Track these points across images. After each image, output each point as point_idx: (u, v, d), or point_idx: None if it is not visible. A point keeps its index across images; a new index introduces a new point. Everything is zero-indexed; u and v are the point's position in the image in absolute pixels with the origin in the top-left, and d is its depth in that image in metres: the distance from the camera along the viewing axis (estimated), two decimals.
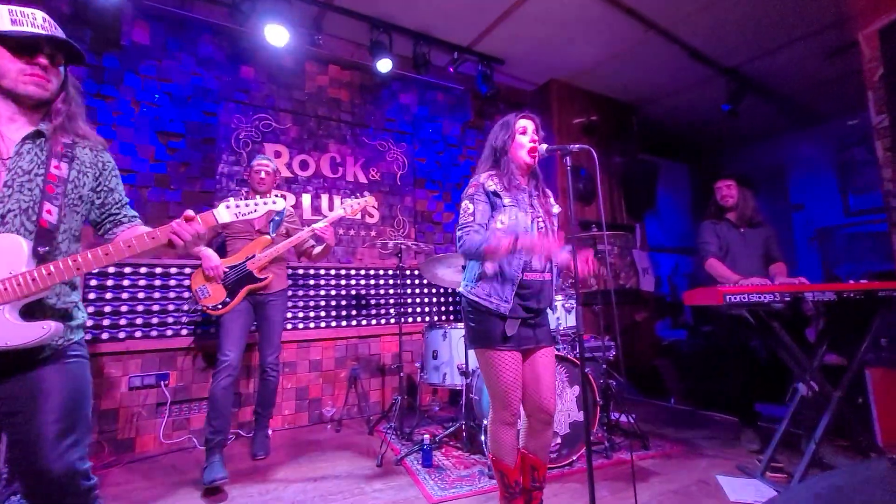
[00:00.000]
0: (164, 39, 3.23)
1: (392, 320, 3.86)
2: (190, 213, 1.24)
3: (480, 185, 1.74)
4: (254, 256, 2.59)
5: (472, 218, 1.69)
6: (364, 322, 3.78)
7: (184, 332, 3.06)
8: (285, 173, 3.61)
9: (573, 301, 3.03)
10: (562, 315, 2.92)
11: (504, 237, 1.59)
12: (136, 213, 1.37)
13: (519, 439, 1.82)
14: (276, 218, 2.55)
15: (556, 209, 1.87)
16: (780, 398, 2.69)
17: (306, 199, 3.67)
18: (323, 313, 3.62)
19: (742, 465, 2.42)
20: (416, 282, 4.06)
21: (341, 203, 2.71)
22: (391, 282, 3.92)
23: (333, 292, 3.68)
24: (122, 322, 2.88)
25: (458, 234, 1.70)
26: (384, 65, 3.55)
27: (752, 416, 2.80)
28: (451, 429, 2.85)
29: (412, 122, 4.28)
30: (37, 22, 1.13)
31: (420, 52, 3.73)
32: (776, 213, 5.95)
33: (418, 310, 4.05)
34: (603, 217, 1.75)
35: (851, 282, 2.14)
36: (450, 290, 4.17)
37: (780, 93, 4.86)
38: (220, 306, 2.50)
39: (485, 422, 2.39)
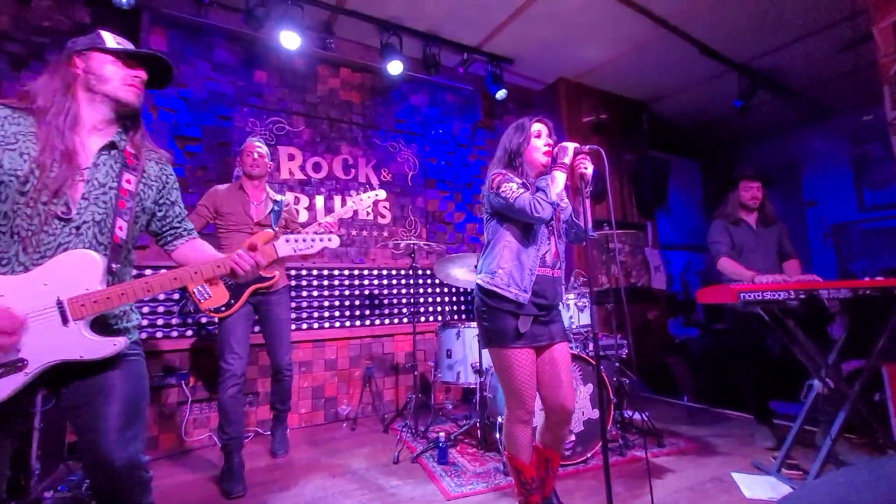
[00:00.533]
0: (180, 46, 3.30)
1: (405, 320, 3.91)
2: (253, 242, 1.27)
3: (506, 174, 1.77)
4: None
5: (516, 189, 1.71)
6: (377, 322, 3.83)
7: (203, 332, 3.13)
8: (298, 175, 3.66)
9: (586, 299, 3.04)
10: (574, 313, 2.93)
11: (561, 165, 1.72)
12: (193, 226, 1.42)
13: (535, 435, 1.85)
14: (276, 208, 2.57)
15: (564, 203, 1.90)
16: (794, 396, 2.68)
17: (319, 200, 3.73)
18: (337, 313, 3.67)
19: (757, 462, 2.42)
20: (429, 281, 4.09)
21: (351, 198, 2.61)
22: (403, 281, 3.96)
23: (347, 292, 3.73)
24: (145, 323, 2.95)
25: (517, 195, 1.69)
26: (395, 67, 3.59)
27: (767, 414, 2.80)
28: (466, 427, 2.88)
29: (422, 123, 4.31)
30: (132, 47, 1.24)
31: (430, 53, 3.76)
32: (789, 209, 5.90)
33: (430, 309, 4.09)
34: (612, 216, 1.77)
35: (867, 279, 2.14)
36: (462, 290, 4.20)
37: (793, 88, 4.82)
38: (223, 308, 2.36)
39: (499, 419, 2.42)
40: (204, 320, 3.14)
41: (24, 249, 1.06)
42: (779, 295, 2.02)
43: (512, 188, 1.72)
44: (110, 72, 1.17)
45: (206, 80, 3.38)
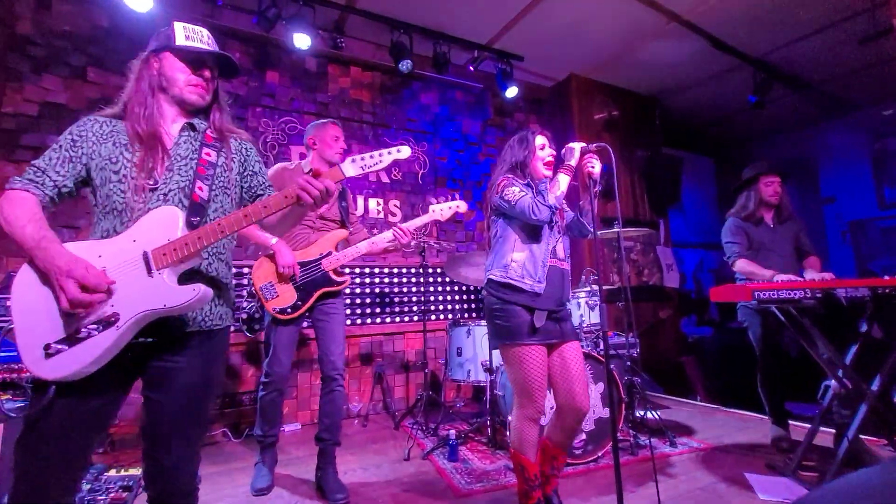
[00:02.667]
0: None
1: (415, 318, 3.93)
2: (318, 169, 1.27)
3: (511, 178, 1.84)
4: (329, 254, 2.25)
5: (524, 192, 1.76)
6: (388, 319, 3.85)
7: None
8: None
9: (597, 298, 3.03)
10: (585, 312, 2.92)
11: (568, 168, 1.79)
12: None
13: (544, 430, 1.86)
14: (344, 203, 2.43)
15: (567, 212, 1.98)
16: (811, 397, 2.63)
17: None
18: (348, 311, 3.71)
19: (772, 462, 2.39)
20: (439, 279, 4.11)
21: (433, 205, 2.40)
22: (413, 280, 3.98)
23: (358, 290, 3.76)
24: None
25: (521, 199, 1.74)
26: (405, 65, 3.60)
27: (783, 415, 2.75)
28: (476, 425, 2.89)
29: (433, 122, 4.32)
30: (204, 39, 1.28)
31: (440, 51, 3.76)
32: (806, 206, 5.78)
33: (440, 307, 4.10)
34: (619, 214, 1.76)
35: (887, 277, 2.09)
36: (473, 288, 4.21)
37: (810, 82, 4.72)
38: (289, 310, 2.18)
39: (509, 417, 2.42)
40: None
41: (121, 221, 1.15)
42: (795, 294, 1.99)
43: (514, 192, 1.77)
44: (177, 74, 1.24)
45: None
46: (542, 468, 1.83)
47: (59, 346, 1.01)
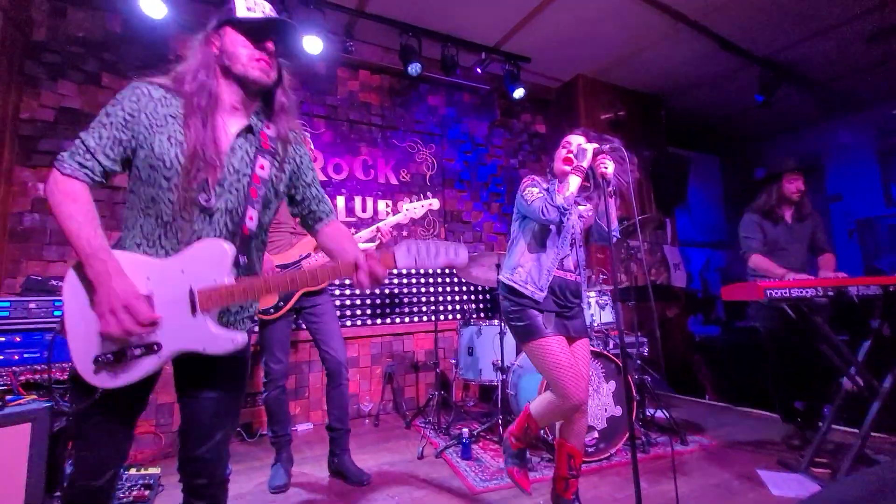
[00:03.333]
0: None
1: (425, 318, 3.95)
2: (371, 251, 1.19)
3: (535, 179, 1.91)
4: (308, 256, 2.35)
5: (540, 193, 1.80)
6: (398, 320, 3.88)
7: None
8: (321, 177, 3.73)
9: (607, 297, 3.05)
10: (596, 311, 2.94)
11: (578, 168, 1.79)
12: (332, 208, 1.37)
13: (556, 428, 1.90)
14: None
15: (583, 208, 1.99)
16: (823, 395, 2.64)
17: (340, 200, 3.79)
18: (359, 311, 3.74)
19: (784, 460, 2.41)
20: (448, 280, 4.14)
21: (406, 205, 2.60)
22: (423, 280, 4.01)
23: (368, 291, 3.79)
24: None
25: (535, 201, 1.78)
26: (413, 68, 3.63)
27: (793, 413, 2.76)
28: (488, 423, 2.92)
29: (440, 123, 4.35)
30: (266, 10, 1.18)
31: (448, 54, 3.78)
32: (813, 204, 5.76)
33: (450, 307, 4.13)
34: (636, 215, 1.78)
35: None
36: (482, 288, 4.23)
37: (817, 80, 4.72)
38: (271, 311, 2.28)
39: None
40: None
41: (165, 234, 1.09)
42: (806, 292, 2.01)
43: (533, 192, 1.82)
44: (239, 49, 1.13)
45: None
46: (560, 471, 1.85)
47: (107, 359, 1.04)
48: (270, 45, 1.15)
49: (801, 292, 2.00)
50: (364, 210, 3.88)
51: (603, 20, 3.67)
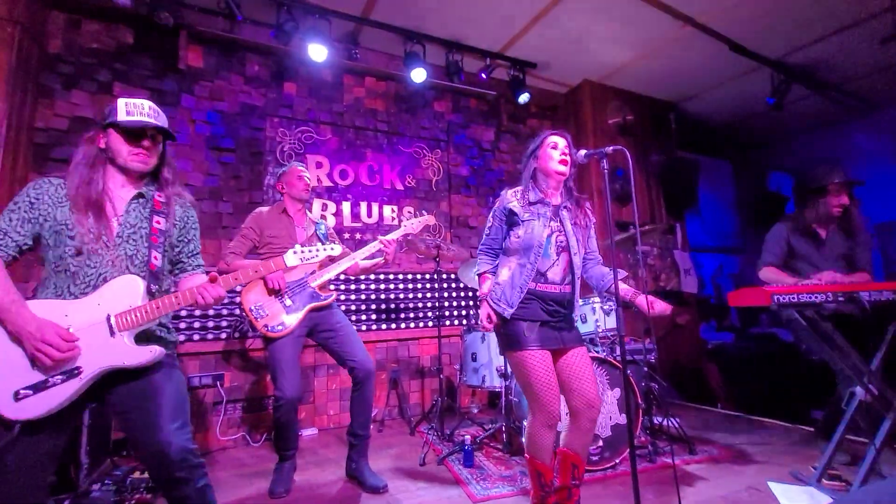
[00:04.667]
0: (215, 62, 3.46)
1: (430, 323, 3.94)
2: (214, 274, 1.40)
3: (501, 201, 1.90)
4: (314, 272, 2.39)
5: (488, 232, 1.95)
6: (403, 325, 3.88)
7: (237, 335, 3.26)
8: (326, 183, 3.77)
9: (612, 303, 3.01)
10: (601, 317, 2.90)
11: (481, 293, 1.89)
12: (202, 263, 1.60)
13: (560, 438, 1.85)
14: (322, 230, 2.61)
15: (583, 222, 1.91)
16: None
17: (346, 206, 3.82)
18: (364, 317, 3.75)
19: (795, 471, 2.33)
20: (453, 285, 4.13)
21: (404, 222, 2.67)
22: (428, 286, 4.01)
23: (373, 297, 3.80)
24: (182, 325, 3.09)
25: (480, 243, 1.99)
26: (419, 74, 3.65)
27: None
28: (491, 430, 2.89)
29: (446, 129, 4.36)
30: (144, 110, 1.40)
31: (453, 60, 3.80)
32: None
33: (455, 313, 4.11)
34: (636, 217, 1.75)
35: None
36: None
37: (831, 82, 4.62)
38: (279, 328, 2.25)
39: (525, 423, 2.41)
40: (238, 324, 3.27)
41: (74, 282, 1.30)
42: (815, 297, 1.95)
43: (488, 223, 1.96)
44: (119, 146, 1.38)
45: (240, 93, 3.52)
46: (563, 480, 1.81)
47: (27, 392, 1.16)
48: (146, 143, 1.40)
49: (810, 298, 1.95)
50: (370, 215, 3.90)
51: (609, 24, 3.65)
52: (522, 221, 1.81)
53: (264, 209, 2.53)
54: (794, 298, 1.95)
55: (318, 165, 3.76)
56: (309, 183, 2.55)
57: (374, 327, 3.77)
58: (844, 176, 2.49)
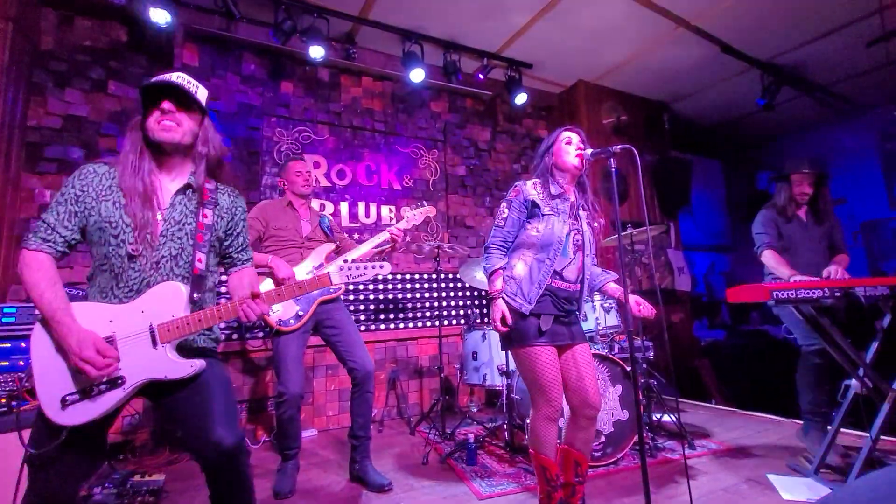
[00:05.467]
0: (211, 61, 3.43)
1: (428, 323, 3.95)
2: (256, 290, 1.31)
3: (521, 192, 1.84)
4: (321, 266, 2.42)
5: (503, 223, 1.85)
6: (402, 325, 3.88)
7: (234, 336, 3.23)
8: (324, 183, 3.75)
9: (612, 301, 3.04)
10: (601, 315, 2.93)
11: (494, 290, 1.78)
12: (251, 256, 1.55)
13: (562, 437, 1.86)
14: (326, 223, 2.61)
15: (595, 224, 1.94)
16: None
17: (344, 206, 3.81)
18: (363, 317, 3.73)
19: (793, 464, 2.38)
20: (451, 285, 4.13)
21: (406, 213, 2.71)
22: (426, 285, 4.01)
23: (371, 296, 3.79)
24: None
25: (490, 235, 1.87)
26: (416, 74, 3.65)
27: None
28: (493, 428, 2.90)
29: (443, 129, 4.37)
30: (167, 77, 1.29)
31: (450, 60, 3.81)
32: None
33: (453, 312, 4.12)
34: (644, 217, 1.78)
35: None
36: (487, 293, 4.22)
37: (819, 84, 4.73)
38: (291, 321, 2.28)
39: (527, 420, 2.43)
40: (236, 325, 3.24)
41: (117, 284, 1.25)
42: (813, 293, 2.00)
43: (502, 214, 1.86)
44: (148, 118, 1.29)
45: (237, 92, 3.49)
46: (566, 478, 1.82)
47: (74, 398, 1.17)
48: (166, 104, 1.28)
49: (808, 293, 1.99)
50: (367, 216, 3.89)
51: (603, 25, 3.69)
52: (543, 215, 1.79)
53: (272, 202, 2.55)
54: (792, 294, 1.99)
55: (316, 165, 3.74)
56: (309, 178, 2.55)
57: (372, 327, 3.76)
58: (809, 167, 2.67)
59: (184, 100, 1.32)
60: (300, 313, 2.31)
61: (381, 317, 3.81)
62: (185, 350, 1.30)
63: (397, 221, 2.66)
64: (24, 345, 2.11)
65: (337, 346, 2.39)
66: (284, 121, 3.66)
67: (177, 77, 1.31)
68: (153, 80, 1.29)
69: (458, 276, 3.55)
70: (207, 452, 1.21)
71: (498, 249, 1.84)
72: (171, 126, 1.29)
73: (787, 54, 4.16)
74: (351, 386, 2.38)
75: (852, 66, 4.38)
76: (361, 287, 3.75)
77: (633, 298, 1.81)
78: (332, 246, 2.51)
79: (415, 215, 2.66)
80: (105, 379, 1.18)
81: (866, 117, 5.37)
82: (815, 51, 4.10)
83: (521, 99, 4.13)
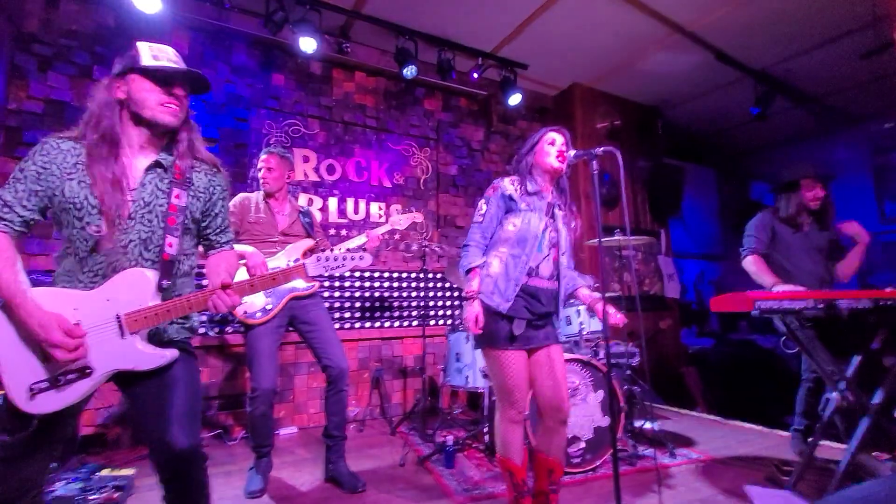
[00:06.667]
0: (201, 49, 3.38)
1: (414, 322, 3.91)
2: (226, 281, 1.24)
3: (499, 187, 1.85)
4: (298, 260, 2.29)
5: (482, 219, 1.84)
6: (387, 324, 3.84)
7: (213, 331, 3.18)
8: (313, 177, 3.71)
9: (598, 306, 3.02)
10: (585, 319, 2.91)
11: (470, 290, 1.75)
12: (231, 238, 1.47)
13: (536, 442, 1.84)
14: (307, 219, 2.58)
15: (572, 224, 1.92)
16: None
17: (333, 202, 3.76)
18: (347, 314, 3.69)
19: (772, 476, 2.36)
20: (438, 285, 4.10)
21: (392, 217, 2.68)
22: (413, 284, 3.97)
23: (357, 294, 3.75)
24: None
25: (469, 234, 1.85)
26: (409, 71, 3.61)
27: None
28: (474, 431, 2.86)
29: (436, 128, 4.34)
30: (171, 57, 1.26)
31: (444, 58, 3.77)
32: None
33: (440, 312, 4.08)
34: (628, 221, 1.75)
35: (889, 289, 2.08)
36: (461, 292, 4.19)
37: (812, 95, 4.74)
38: (258, 314, 2.22)
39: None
40: (217, 318, 3.18)
41: (82, 269, 1.19)
42: (796, 304, 1.98)
43: (480, 210, 1.85)
44: (147, 95, 1.20)
45: (226, 82, 3.44)
46: (539, 486, 1.80)
47: (42, 387, 1.12)
48: (180, 91, 1.24)
49: (792, 304, 1.97)
50: (356, 212, 3.85)
51: (599, 28, 3.67)
52: (520, 210, 1.79)
53: (250, 195, 2.48)
54: (776, 305, 1.97)
55: (305, 159, 3.69)
56: (267, 173, 2.41)
57: (357, 325, 3.72)
58: (815, 170, 2.59)
59: (193, 87, 1.29)
60: (268, 307, 2.25)
61: (367, 315, 3.77)
62: (156, 340, 1.24)
63: (386, 220, 2.60)
64: None
65: (312, 343, 2.35)
66: (274, 113, 3.61)
67: (176, 57, 1.27)
68: (163, 65, 1.22)
69: (444, 276, 3.53)
70: (160, 453, 1.17)
71: (476, 247, 1.81)
72: (176, 111, 1.23)
73: (782, 64, 4.16)
74: (325, 384, 2.34)
75: (845, 79, 4.39)
76: (347, 284, 3.71)
77: (600, 308, 1.79)
78: (310, 242, 2.46)
79: (400, 220, 2.65)
80: (72, 367, 1.13)
81: (858, 130, 5.39)
82: (809, 62, 4.10)
83: (515, 99, 4.09)
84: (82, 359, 1.13)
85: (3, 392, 1.12)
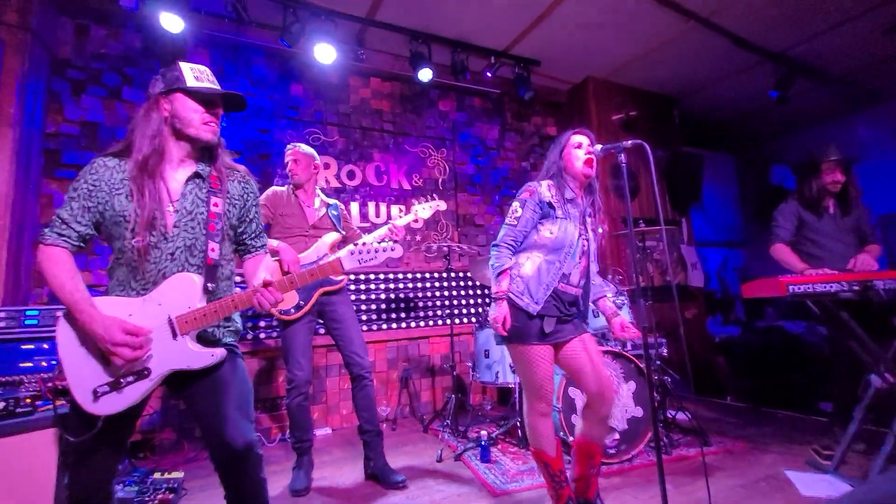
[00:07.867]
0: (222, 64, 3.48)
1: (440, 322, 3.96)
2: (269, 279, 1.29)
3: (536, 192, 1.84)
4: (326, 255, 2.40)
5: (516, 223, 1.83)
6: (413, 324, 3.89)
7: (248, 336, 3.27)
8: (334, 183, 3.78)
9: (623, 297, 3.02)
10: None
11: (499, 292, 1.76)
12: (265, 243, 1.54)
13: (576, 429, 1.88)
14: (334, 212, 2.61)
15: (599, 230, 1.96)
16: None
17: (354, 207, 3.83)
18: (374, 316, 3.76)
19: (812, 461, 2.35)
20: (462, 283, 4.14)
21: (414, 206, 2.67)
22: (437, 284, 4.02)
23: (383, 296, 3.81)
24: None
25: (501, 234, 1.85)
26: (425, 74, 3.66)
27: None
28: (507, 426, 2.90)
29: (451, 128, 4.38)
30: (210, 77, 1.36)
31: (458, 59, 3.81)
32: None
33: (465, 311, 4.13)
34: (660, 213, 1.77)
35: None
36: (490, 291, 4.22)
37: (834, 75, 4.64)
38: (292, 311, 2.32)
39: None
40: (262, 324, 3.28)
41: (134, 277, 1.27)
42: (830, 287, 1.97)
43: (515, 212, 1.83)
44: (191, 114, 1.30)
45: (246, 95, 3.51)
46: (580, 470, 1.83)
47: (104, 390, 1.20)
48: (220, 111, 1.35)
49: (826, 287, 1.96)
50: (378, 215, 3.91)
51: (611, 21, 3.67)
52: (557, 218, 1.80)
53: (279, 188, 2.55)
54: (809, 288, 1.96)
55: (326, 166, 3.77)
56: (294, 165, 2.48)
57: (384, 326, 3.78)
58: (838, 154, 2.57)
59: (228, 106, 1.39)
60: (301, 303, 2.33)
61: (393, 316, 3.83)
62: (206, 342, 1.32)
63: (406, 214, 2.63)
64: (46, 346, 2.15)
65: (338, 339, 2.44)
66: (294, 122, 3.70)
67: (214, 77, 1.37)
68: (206, 87, 1.32)
69: (469, 274, 3.56)
70: (219, 452, 1.24)
71: (508, 248, 1.83)
72: (216, 128, 1.34)
73: (801, 45, 4.08)
74: (350, 382, 2.42)
75: (869, 56, 4.29)
76: (373, 287, 3.77)
77: (618, 322, 1.84)
78: (337, 236, 2.51)
79: (424, 208, 2.65)
80: (132, 370, 1.20)
81: (883, 108, 5.26)
82: (830, 41, 4.02)
83: (529, 96, 4.11)
84: (146, 357, 1.21)
85: (62, 403, 1.22)
